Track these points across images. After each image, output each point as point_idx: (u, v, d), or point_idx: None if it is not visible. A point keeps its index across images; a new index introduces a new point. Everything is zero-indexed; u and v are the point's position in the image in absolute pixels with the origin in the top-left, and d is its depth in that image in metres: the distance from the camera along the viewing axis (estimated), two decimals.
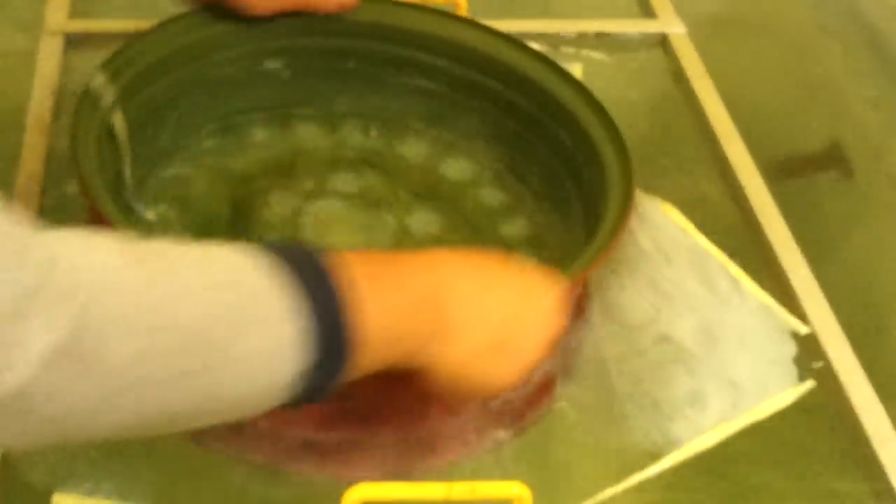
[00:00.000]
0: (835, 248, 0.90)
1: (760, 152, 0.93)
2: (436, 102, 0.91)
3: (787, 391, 0.75)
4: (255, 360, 0.50)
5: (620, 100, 0.94)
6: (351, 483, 0.60)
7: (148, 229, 0.80)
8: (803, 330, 0.79)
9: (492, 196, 0.88)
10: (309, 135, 0.92)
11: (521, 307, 0.63)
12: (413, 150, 0.91)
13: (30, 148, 0.87)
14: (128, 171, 0.80)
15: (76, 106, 0.77)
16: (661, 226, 0.85)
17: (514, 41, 0.89)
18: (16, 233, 0.43)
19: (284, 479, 0.69)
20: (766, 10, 1.15)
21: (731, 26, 1.14)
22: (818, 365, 0.77)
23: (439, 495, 0.61)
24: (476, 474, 0.67)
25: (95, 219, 0.71)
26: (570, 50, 1.04)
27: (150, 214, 0.82)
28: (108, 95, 0.78)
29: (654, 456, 0.70)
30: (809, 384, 0.75)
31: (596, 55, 1.04)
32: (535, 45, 0.90)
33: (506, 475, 0.67)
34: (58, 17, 1.00)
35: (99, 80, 0.78)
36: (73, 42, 0.98)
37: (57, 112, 0.90)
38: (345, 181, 0.88)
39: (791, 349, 0.78)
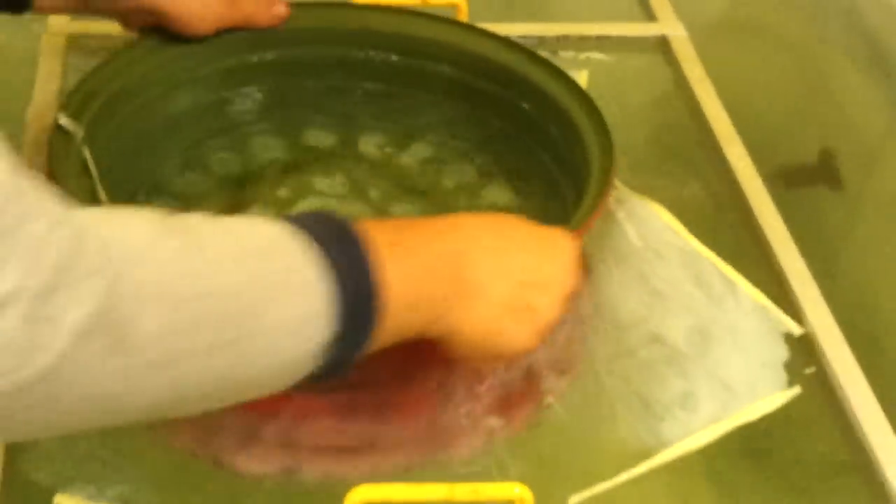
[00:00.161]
0: (833, 253, 0.90)
1: (760, 154, 0.93)
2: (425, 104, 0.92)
3: (776, 394, 0.75)
4: (286, 328, 0.50)
5: (621, 102, 0.94)
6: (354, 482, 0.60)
7: None
8: (798, 331, 0.79)
9: (483, 194, 0.88)
10: (314, 138, 0.92)
11: (538, 265, 0.64)
12: (375, 146, 0.92)
13: (31, 149, 0.87)
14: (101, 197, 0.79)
15: (49, 146, 0.77)
16: (652, 225, 0.85)
17: (494, 36, 0.89)
18: (46, 209, 0.43)
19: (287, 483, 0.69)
20: (767, 14, 1.15)
21: (731, 29, 1.14)
22: (811, 370, 0.77)
23: (441, 496, 0.61)
24: (465, 469, 0.68)
25: None
26: (571, 52, 1.04)
27: None
28: (77, 131, 0.78)
29: (644, 456, 0.70)
30: (797, 389, 0.75)
31: (597, 58, 1.04)
32: (533, 48, 0.90)
33: (500, 471, 0.67)
34: (60, 18, 1.00)
35: (64, 119, 0.78)
36: (75, 43, 0.98)
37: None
38: (323, 186, 0.88)
39: (783, 353, 0.77)
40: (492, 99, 0.89)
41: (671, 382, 0.75)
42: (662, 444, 0.71)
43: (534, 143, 0.87)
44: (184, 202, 0.86)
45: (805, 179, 0.99)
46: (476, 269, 0.61)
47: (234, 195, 0.87)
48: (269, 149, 0.91)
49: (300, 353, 0.51)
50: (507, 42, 0.89)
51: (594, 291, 0.80)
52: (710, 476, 0.72)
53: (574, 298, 0.67)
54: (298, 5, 0.90)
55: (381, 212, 0.85)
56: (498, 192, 0.88)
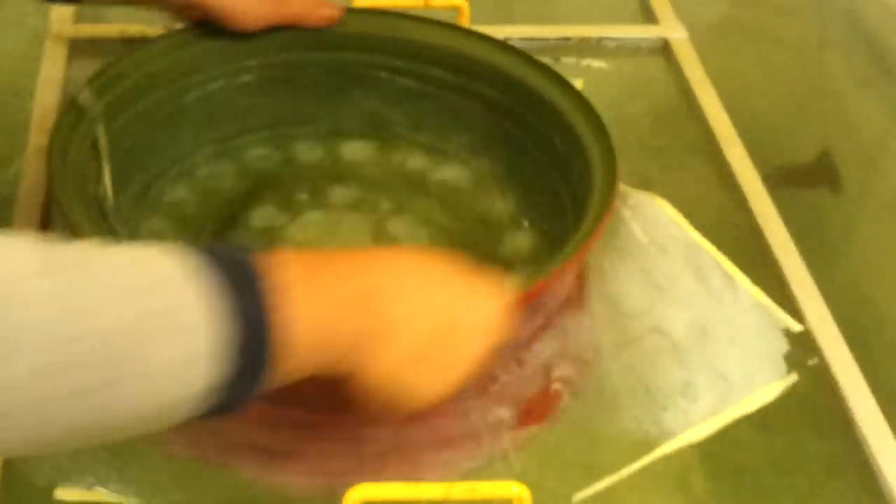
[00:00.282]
0: (832, 254, 0.90)
1: (760, 156, 0.93)
2: (428, 109, 0.91)
3: (773, 384, 0.75)
4: (169, 370, 0.47)
5: (622, 105, 0.94)
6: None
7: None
8: (797, 328, 0.79)
9: (486, 203, 0.88)
10: (303, 150, 0.92)
11: (460, 315, 0.60)
12: (406, 158, 0.91)
13: (33, 153, 0.87)
14: (108, 185, 0.79)
15: (59, 116, 0.77)
16: (656, 219, 0.85)
17: (504, 45, 0.89)
18: None
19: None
20: (768, 16, 1.16)
21: (732, 32, 1.14)
22: (813, 362, 0.77)
23: (439, 495, 0.61)
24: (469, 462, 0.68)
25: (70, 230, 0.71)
26: (572, 55, 1.04)
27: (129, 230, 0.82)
28: (95, 108, 0.78)
29: (647, 445, 0.70)
30: (794, 377, 0.76)
31: (597, 61, 1.04)
32: (534, 51, 0.90)
33: (504, 463, 0.67)
34: (62, 22, 1.00)
35: (85, 94, 0.78)
36: (78, 47, 0.99)
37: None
38: (337, 194, 0.87)
39: (782, 346, 0.78)
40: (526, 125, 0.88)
41: (672, 372, 0.75)
42: (665, 435, 0.71)
43: (540, 155, 0.87)
44: (205, 191, 0.87)
45: (805, 180, 0.99)
46: (392, 312, 0.57)
47: (254, 192, 0.87)
48: (304, 152, 0.91)
49: (185, 395, 0.49)
50: (525, 58, 0.88)
51: (602, 281, 0.80)
52: (705, 474, 0.72)
53: (497, 354, 0.62)
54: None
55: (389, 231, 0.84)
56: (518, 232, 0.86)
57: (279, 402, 0.64)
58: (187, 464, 0.68)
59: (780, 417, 0.74)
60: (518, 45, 0.90)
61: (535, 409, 0.74)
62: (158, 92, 0.85)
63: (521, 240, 0.84)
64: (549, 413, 0.74)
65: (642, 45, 1.07)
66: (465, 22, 0.94)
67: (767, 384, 0.75)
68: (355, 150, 0.92)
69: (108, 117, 0.79)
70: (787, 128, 1.02)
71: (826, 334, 0.79)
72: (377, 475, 0.67)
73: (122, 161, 0.80)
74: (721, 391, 0.74)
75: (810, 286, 0.82)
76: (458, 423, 0.71)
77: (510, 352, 0.72)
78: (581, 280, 0.80)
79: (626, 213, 0.85)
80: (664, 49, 1.06)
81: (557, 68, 0.86)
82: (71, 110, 0.78)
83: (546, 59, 0.88)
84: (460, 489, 0.61)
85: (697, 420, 0.72)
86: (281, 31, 0.88)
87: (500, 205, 0.87)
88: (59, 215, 0.75)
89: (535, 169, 0.86)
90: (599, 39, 1.06)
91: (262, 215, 0.85)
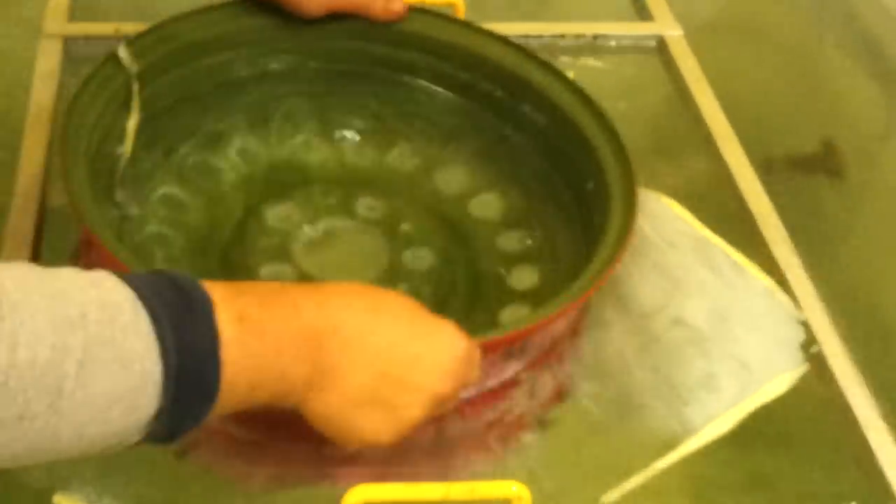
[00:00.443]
0: (828, 249, 0.90)
1: (756, 154, 0.93)
2: (474, 130, 0.91)
3: (791, 372, 0.76)
4: (111, 399, 0.47)
5: (617, 102, 0.94)
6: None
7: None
8: (801, 316, 0.80)
9: (490, 208, 0.88)
10: (338, 145, 0.92)
11: (410, 360, 0.59)
12: (409, 163, 0.91)
13: (29, 151, 0.87)
14: (130, 144, 0.80)
15: (94, 69, 0.78)
16: (662, 216, 0.85)
17: (517, 47, 0.89)
18: None
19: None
20: (763, 13, 1.16)
21: (727, 29, 1.14)
22: (815, 349, 0.78)
23: (438, 495, 0.61)
24: (498, 472, 0.68)
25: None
26: (567, 52, 1.04)
27: (144, 198, 0.82)
28: (132, 65, 0.79)
29: (671, 444, 0.71)
30: (806, 366, 0.76)
31: (592, 58, 1.04)
32: (528, 48, 0.90)
33: (531, 474, 0.67)
34: (57, 20, 1.00)
35: (123, 50, 0.79)
36: (72, 45, 0.98)
37: (56, 115, 0.89)
38: (361, 205, 0.87)
39: (798, 332, 0.78)
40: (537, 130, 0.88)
41: (694, 364, 0.75)
42: (688, 431, 0.71)
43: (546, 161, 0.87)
44: (237, 166, 0.87)
45: (804, 167, 0.99)
46: (336, 355, 0.56)
47: (288, 179, 0.87)
48: (348, 147, 0.91)
49: (129, 422, 0.49)
50: (538, 61, 0.88)
51: (615, 285, 0.80)
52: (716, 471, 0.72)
53: (450, 400, 0.62)
54: None
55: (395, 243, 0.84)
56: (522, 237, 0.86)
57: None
58: (187, 477, 0.68)
59: (777, 409, 0.74)
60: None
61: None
62: (202, 61, 0.86)
63: (530, 274, 0.83)
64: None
65: (638, 42, 1.07)
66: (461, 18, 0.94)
67: (785, 371, 0.76)
68: (394, 156, 0.91)
69: (144, 78, 0.80)
70: (782, 125, 1.02)
71: (820, 327, 0.79)
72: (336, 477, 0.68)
73: (150, 124, 0.81)
74: (742, 380, 0.74)
75: (806, 282, 0.82)
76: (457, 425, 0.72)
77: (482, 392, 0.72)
78: (580, 314, 0.80)
79: None
80: (659, 46, 1.06)
81: None
82: (108, 63, 0.78)
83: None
84: (459, 489, 0.61)
85: (719, 412, 0.72)
86: (338, 20, 0.87)
87: (520, 235, 0.86)
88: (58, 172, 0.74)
89: (562, 206, 0.85)
90: (595, 37, 1.06)
91: (278, 213, 0.84)
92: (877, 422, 0.73)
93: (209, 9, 0.86)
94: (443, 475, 0.68)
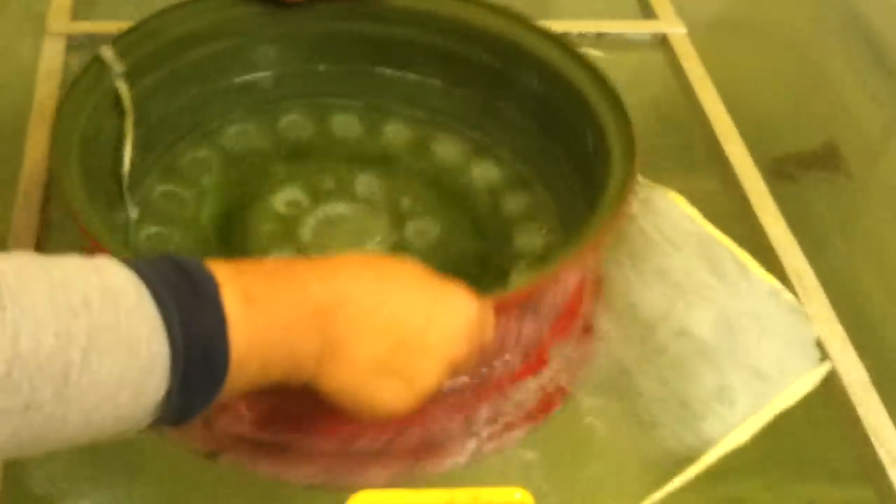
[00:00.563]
0: (833, 250, 0.90)
1: (759, 152, 0.93)
2: (465, 96, 0.90)
3: (809, 373, 0.75)
4: (117, 384, 0.47)
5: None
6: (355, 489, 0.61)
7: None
8: (808, 314, 0.79)
9: (490, 174, 0.87)
10: (338, 124, 0.91)
11: (422, 326, 0.58)
12: (403, 138, 0.90)
13: (32, 149, 0.87)
14: (128, 146, 0.79)
15: (78, 73, 0.77)
16: (668, 214, 0.84)
17: (504, 11, 0.87)
18: None
19: (286, 491, 0.70)
20: (766, 11, 1.16)
21: (730, 27, 1.14)
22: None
23: (442, 502, 0.61)
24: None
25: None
26: None
27: (149, 195, 0.82)
28: (116, 66, 0.77)
29: (690, 458, 0.70)
30: (828, 365, 0.76)
31: (596, 55, 1.04)
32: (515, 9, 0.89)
33: (539, 496, 0.65)
34: (60, 18, 1.00)
35: (107, 51, 0.78)
36: (75, 44, 0.98)
37: None
38: (362, 183, 0.86)
39: (809, 330, 0.77)
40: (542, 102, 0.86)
41: (705, 377, 0.74)
42: (706, 444, 0.71)
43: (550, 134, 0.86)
44: (234, 156, 0.87)
45: (806, 165, 0.99)
46: (346, 327, 0.56)
47: (286, 164, 0.87)
48: (343, 127, 0.91)
49: (129, 411, 0.48)
50: (547, 35, 0.86)
51: (616, 294, 0.79)
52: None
53: (465, 364, 0.61)
54: None
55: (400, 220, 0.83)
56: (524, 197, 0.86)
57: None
58: (188, 486, 0.69)
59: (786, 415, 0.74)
60: None
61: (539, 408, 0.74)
62: (189, 54, 0.84)
63: (536, 236, 0.83)
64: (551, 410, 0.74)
65: (641, 40, 1.07)
66: None
67: (803, 373, 0.75)
68: (389, 131, 0.91)
69: (133, 77, 0.79)
70: (785, 122, 1.02)
71: (825, 324, 0.79)
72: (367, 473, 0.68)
73: (143, 123, 0.80)
74: (759, 389, 0.73)
75: (810, 278, 0.82)
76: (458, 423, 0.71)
77: (495, 355, 0.71)
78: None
79: (637, 211, 0.85)
80: (663, 44, 1.06)
81: None
82: (94, 65, 0.77)
83: None
84: (463, 496, 0.61)
85: (736, 423, 0.72)
86: (322, 2, 0.87)
87: (522, 200, 0.86)
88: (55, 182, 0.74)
89: (559, 168, 0.85)
90: (598, 34, 1.06)
91: (278, 199, 0.84)
92: (886, 423, 0.73)
93: (192, 1, 0.85)
94: (472, 464, 0.69)
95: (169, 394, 0.49)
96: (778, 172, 0.94)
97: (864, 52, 1.10)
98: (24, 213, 0.82)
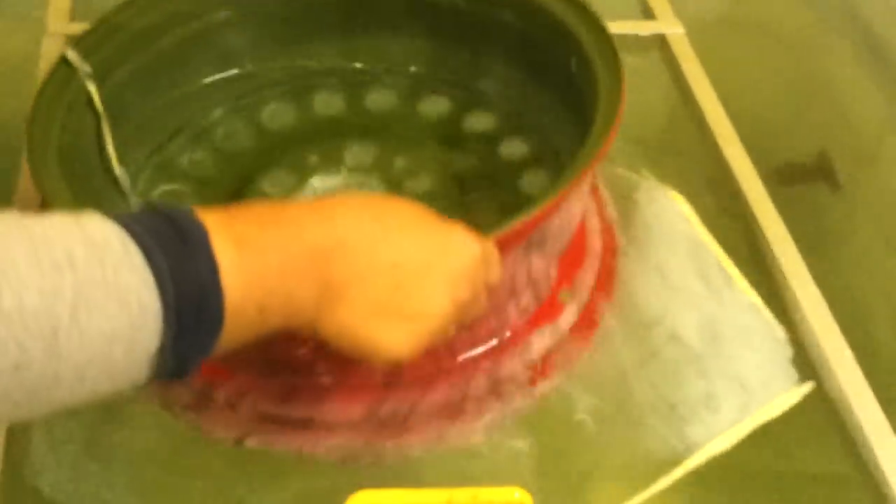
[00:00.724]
0: (831, 252, 0.90)
1: (758, 154, 0.93)
2: (446, 45, 0.89)
3: (792, 391, 0.75)
4: (109, 339, 0.46)
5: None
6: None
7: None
8: (783, 335, 0.79)
9: (483, 123, 0.87)
10: (320, 101, 0.91)
11: (424, 266, 0.57)
12: (388, 102, 0.90)
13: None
14: (110, 146, 0.78)
15: (46, 76, 0.75)
16: (667, 212, 0.85)
17: None
18: None
19: (283, 487, 0.70)
20: (766, 12, 1.15)
21: (729, 28, 1.14)
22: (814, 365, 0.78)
23: (440, 501, 0.61)
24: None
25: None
26: None
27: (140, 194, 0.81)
28: (83, 67, 0.76)
29: (672, 462, 0.70)
30: (810, 385, 0.76)
31: None
32: None
33: (529, 490, 0.66)
34: (59, 19, 1.00)
35: (71, 53, 0.76)
36: None
37: None
38: (352, 152, 0.86)
39: (788, 349, 0.78)
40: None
41: (693, 383, 0.75)
42: (689, 449, 0.71)
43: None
44: (220, 150, 0.86)
45: (803, 177, 0.99)
46: (344, 269, 0.54)
47: (267, 151, 0.86)
48: (326, 106, 0.90)
49: (124, 365, 0.48)
50: None
51: (623, 288, 0.80)
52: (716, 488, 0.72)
53: (469, 305, 0.60)
54: None
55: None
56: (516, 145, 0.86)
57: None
58: (189, 490, 0.69)
59: (780, 421, 0.74)
60: None
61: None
62: (156, 45, 0.83)
63: (539, 176, 0.83)
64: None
65: (639, 40, 1.07)
66: None
67: (784, 390, 0.75)
68: (373, 99, 0.91)
69: (101, 75, 0.77)
70: (784, 124, 1.02)
71: (824, 331, 0.79)
72: (396, 441, 0.69)
73: (124, 121, 0.79)
74: (741, 399, 0.74)
75: (808, 283, 0.82)
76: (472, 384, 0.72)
77: (505, 293, 0.71)
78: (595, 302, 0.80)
79: (643, 201, 0.86)
80: (661, 45, 1.07)
81: None
82: (60, 68, 0.76)
83: None
84: (462, 495, 0.61)
85: (720, 431, 0.72)
86: None
87: (518, 147, 0.86)
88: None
89: (551, 111, 0.84)
90: None
91: (271, 179, 0.84)
92: (884, 430, 0.73)
93: None
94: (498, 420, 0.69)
95: (163, 346, 0.48)
96: (777, 176, 0.94)
97: (864, 52, 1.10)
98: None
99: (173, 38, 0.84)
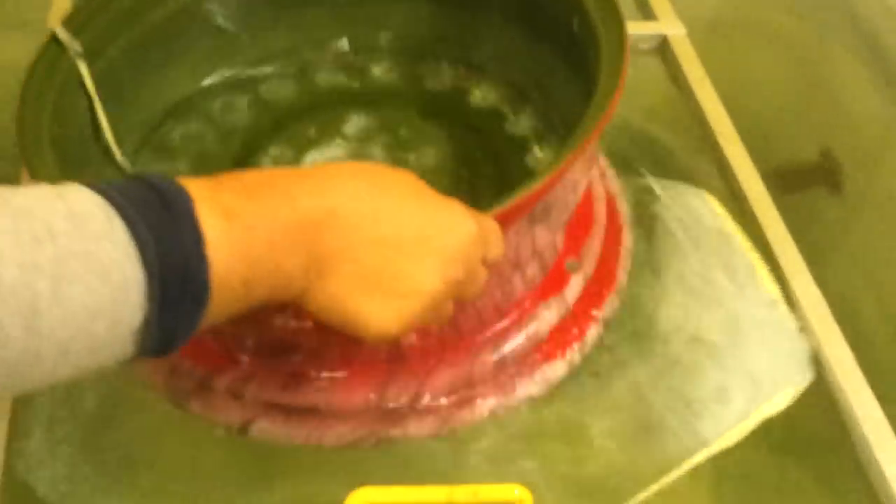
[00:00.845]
0: (833, 253, 0.90)
1: (758, 154, 0.93)
2: (448, 17, 0.88)
3: (798, 386, 0.75)
4: (91, 313, 0.45)
5: (620, 101, 0.94)
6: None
7: None
8: (800, 329, 0.79)
9: (489, 96, 0.86)
10: (321, 74, 0.89)
11: (416, 242, 0.55)
12: (392, 75, 0.89)
13: None
14: (106, 126, 0.76)
15: (34, 60, 0.74)
16: (696, 211, 0.85)
17: None
18: None
19: (282, 487, 0.70)
20: (767, 13, 1.15)
21: (731, 29, 1.14)
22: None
23: (440, 499, 0.61)
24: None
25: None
26: None
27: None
28: (73, 45, 0.74)
29: (683, 458, 0.70)
30: (810, 377, 0.76)
31: None
32: None
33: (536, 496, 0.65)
34: (60, 19, 1.00)
35: (61, 31, 0.75)
36: None
37: None
38: (353, 125, 0.85)
39: (805, 345, 0.78)
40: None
41: (709, 377, 0.74)
42: (700, 443, 0.71)
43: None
44: (217, 125, 0.85)
45: (805, 179, 0.99)
46: (333, 242, 0.53)
47: (266, 125, 0.85)
48: (325, 77, 0.89)
49: (107, 340, 0.46)
50: None
51: (634, 304, 0.80)
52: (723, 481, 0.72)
53: (464, 284, 0.58)
54: None
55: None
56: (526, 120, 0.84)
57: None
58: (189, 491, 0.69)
59: (782, 422, 0.74)
60: None
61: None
62: (146, 19, 0.81)
63: (546, 149, 0.82)
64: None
65: (640, 42, 1.07)
66: None
67: (794, 385, 0.75)
68: (373, 70, 0.89)
69: (93, 53, 0.75)
70: (786, 125, 1.02)
71: (826, 332, 0.79)
72: (402, 427, 0.68)
73: (117, 100, 0.77)
74: (751, 394, 0.74)
75: (809, 283, 0.82)
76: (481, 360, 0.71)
77: (509, 266, 0.70)
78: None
79: (666, 206, 0.85)
80: (662, 46, 1.06)
81: None
82: (50, 48, 0.74)
83: None
84: (462, 493, 0.61)
85: (729, 425, 0.72)
86: None
87: (523, 116, 0.85)
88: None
89: (556, 76, 0.82)
90: None
91: (272, 154, 0.83)
92: (883, 431, 0.73)
93: None
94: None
95: (148, 321, 0.47)
96: (778, 178, 0.94)
97: (865, 53, 1.10)
98: None
99: (165, 10, 0.82)
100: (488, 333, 0.72)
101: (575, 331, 0.75)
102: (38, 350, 0.44)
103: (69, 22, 0.76)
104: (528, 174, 0.78)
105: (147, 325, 0.47)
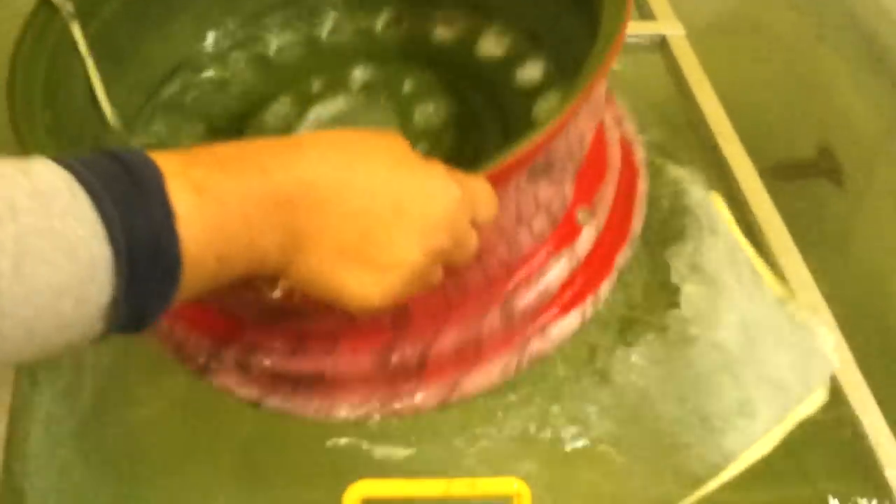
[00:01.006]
0: (831, 252, 0.90)
1: (758, 154, 0.93)
2: None
3: (824, 386, 0.74)
4: (57, 292, 0.44)
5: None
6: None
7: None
8: (815, 325, 0.78)
9: (496, 47, 0.85)
10: (325, 27, 0.88)
11: (392, 213, 0.54)
12: (397, 29, 0.88)
13: None
14: (100, 90, 0.74)
15: (26, 22, 0.72)
16: (711, 214, 0.85)
17: None
18: None
19: (281, 486, 0.70)
20: (765, 13, 1.16)
21: (730, 29, 1.14)
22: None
23: (438, 491, 0.61)
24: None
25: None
26: None
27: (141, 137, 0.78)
28: (65, 5, 0.72)
29: (711, 475, 0.69)
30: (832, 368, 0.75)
31: None
32: None
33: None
34: None
35: None
36: None
37: None
38: (357, 78, 0.84)
39: (825, 340, 0.77)
40: None
41: (727, 391, 0.73)
42: (726, 458, 0.70)
43: None
44: (220, 81, 0.84)
45: (804, 174, 0.99)
46: (309, 215, 0.52)
47: (271, 81, 0.83)
48: (330, 30, 0.87)
49: (74, 318, 0.45)
50: None
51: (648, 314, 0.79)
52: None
53: (451, 252, 0.57)
54: None
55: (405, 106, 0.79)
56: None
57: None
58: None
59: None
60: None
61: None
62: None
63: (552, 101, 0.80)
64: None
65: (639, 41, 1.07)
66: None
67: (822, 383, 0.74)
68: (381, 23, 0.88)
69: (86, 13, 0.73)
70: (784, 124, 1.02)
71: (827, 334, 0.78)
72: (410, 395, 0.68)
73: (115, 62, 0.75)
74: (779, 400, 0.72)
75: (808, 283, 0.82)
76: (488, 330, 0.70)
77: (511, 223, 0.68)
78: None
79: (694, 200, 0.85)
80: (661, 46, 1.06)
81: None
82: (42, 9, 0.72)
83: None
84: (460, 485, 0.61)
85: (757, 435, 0.71)
86: None
87: (530, 68, 0.83)
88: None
89: (562, 27, 0.80)
90: None
91: (275, 111, 0.82)
92: (881, 425, 0.73)
93: None
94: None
95: (117, 297, 0.46)
96: (778, 172, 0.94)
97: (863, 53, 1.10)
98: None
99: None
100: (496, 290, 0.70)
101: (588, 283, 0.73)
102: (0, 330, 0.43)
103: None
104: (533, 126, 0.77)
105: (115, 302, 0.46)
